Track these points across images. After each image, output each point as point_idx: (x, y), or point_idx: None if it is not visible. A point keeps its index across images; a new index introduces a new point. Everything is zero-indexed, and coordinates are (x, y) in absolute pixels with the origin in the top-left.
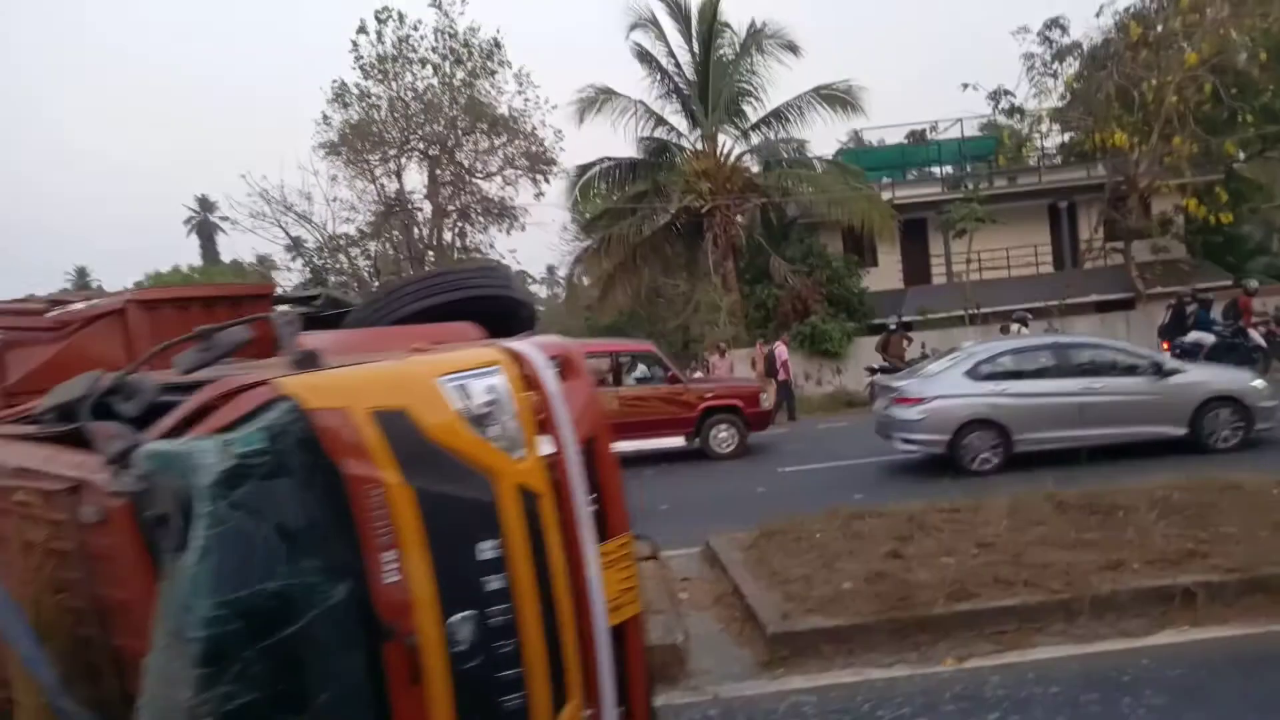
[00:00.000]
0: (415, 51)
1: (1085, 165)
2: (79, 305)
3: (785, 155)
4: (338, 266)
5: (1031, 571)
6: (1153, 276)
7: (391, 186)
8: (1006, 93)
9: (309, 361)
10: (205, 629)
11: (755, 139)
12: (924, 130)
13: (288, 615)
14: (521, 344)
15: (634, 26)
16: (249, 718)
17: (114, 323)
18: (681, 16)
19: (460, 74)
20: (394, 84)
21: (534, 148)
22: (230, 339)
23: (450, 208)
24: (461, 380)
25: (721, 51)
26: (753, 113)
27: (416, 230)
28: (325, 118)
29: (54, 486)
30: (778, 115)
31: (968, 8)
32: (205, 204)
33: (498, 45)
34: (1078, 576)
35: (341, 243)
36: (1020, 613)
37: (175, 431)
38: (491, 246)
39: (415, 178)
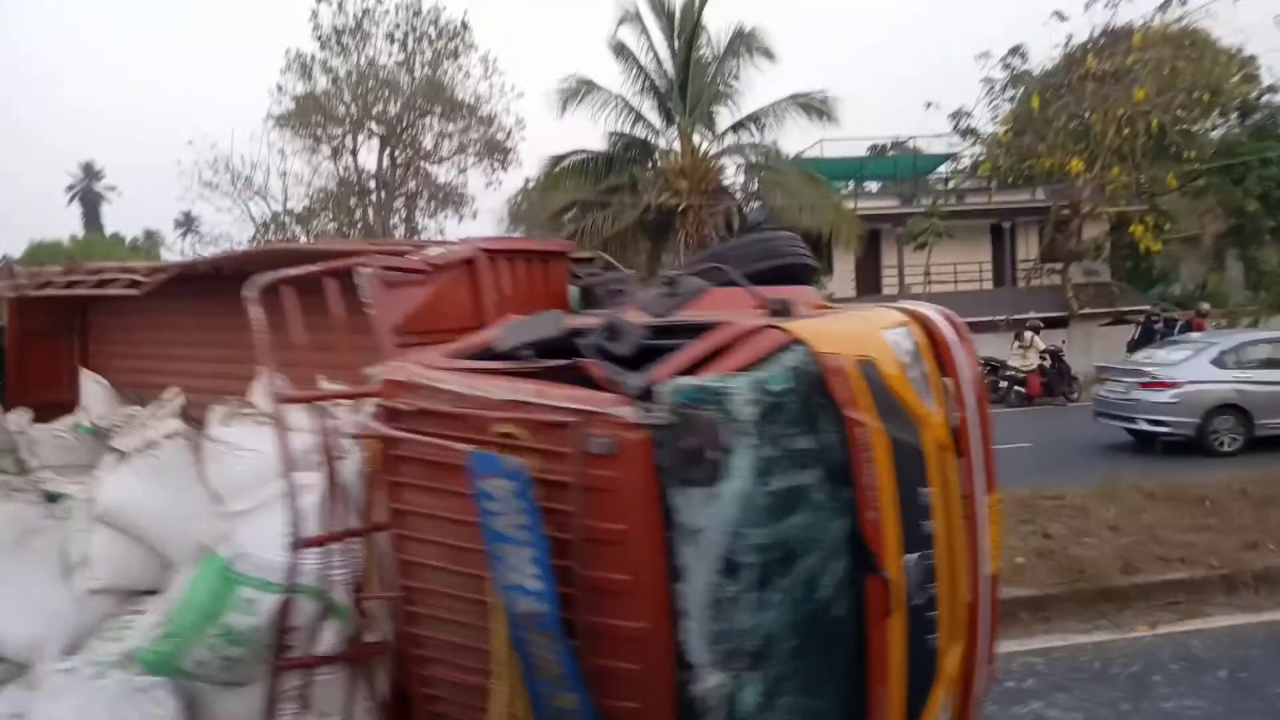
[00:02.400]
0: (377, 26)
1: (1029, 189)
2: (435, 250)
3: (756, 159)
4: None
5: (1180, 550)
6: (1085, 297)
7: (344, 164)
8: (966, 114)
9: (784, 310)
10: (760, 555)
11: (730, 141)
12: (884, 146)
13: (812, 544)
14: (924, 308)
15: (622, 21)
16: (781, 639)
17: (465, 269)
18: (665, 14)
19: (427, 52)
20: (351, 58)
21: (496, 135)
22: (692, 287)
23: (399, 190)
24: (893, 336)
25: (701, 52)
26: (730, 115)
27: (369, 211)
28: (280, 88)
29: (553, 418)
30: (754, 119)
31: (933, 31)
32: (90, 171)
33: (465, 27)
34: (1227, 555)
35: (286, 219)
36: (1187, 585)
37: (688, 370)
38: (441, 233)
39: (370, 157)
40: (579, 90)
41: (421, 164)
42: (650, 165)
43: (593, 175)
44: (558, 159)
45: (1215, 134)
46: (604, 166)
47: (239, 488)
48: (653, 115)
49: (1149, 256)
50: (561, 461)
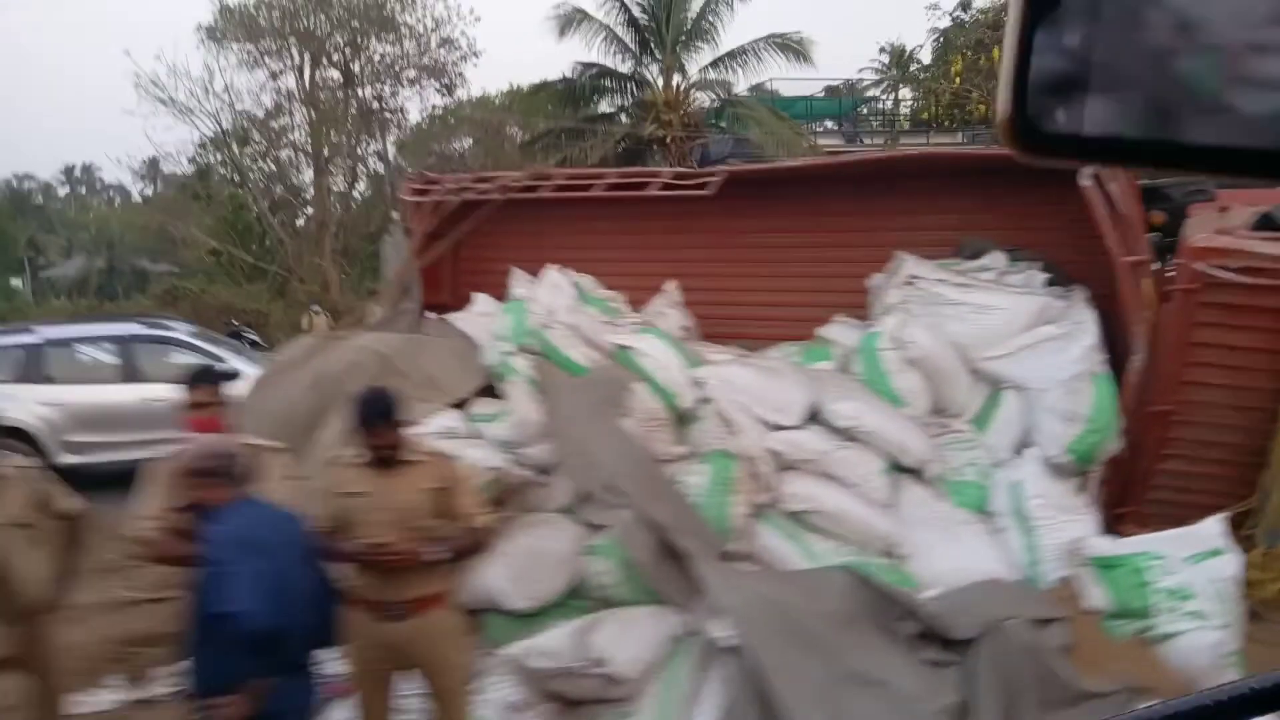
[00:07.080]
0: None
1: (957, 133)
2: None
3: (730, 96)
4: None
5: None
6: None
7: (281, 84)
8: (916, 60)
9: None
10: None
11: (710, 76)
12: (839, 85)
13: None
14: None
15: None
16: None
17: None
18: None
19: None
20: None
21: (443, 60)
22: None
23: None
24: None
25: None
26: (711, 52)
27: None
28: None
29: None
30: (732, 56)
31: None
32: None
33: None
34: None
35: (228, 139)
36: None
37: None
38: (378, 155)
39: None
40: (574, 18)
41: (353, 87)
42: (633, 97)
43: (571, 104)
44: (539, 86)
45: None
46: (583, 95)
47: (989, 339)
48: (635, 48)
49: None
50: None
